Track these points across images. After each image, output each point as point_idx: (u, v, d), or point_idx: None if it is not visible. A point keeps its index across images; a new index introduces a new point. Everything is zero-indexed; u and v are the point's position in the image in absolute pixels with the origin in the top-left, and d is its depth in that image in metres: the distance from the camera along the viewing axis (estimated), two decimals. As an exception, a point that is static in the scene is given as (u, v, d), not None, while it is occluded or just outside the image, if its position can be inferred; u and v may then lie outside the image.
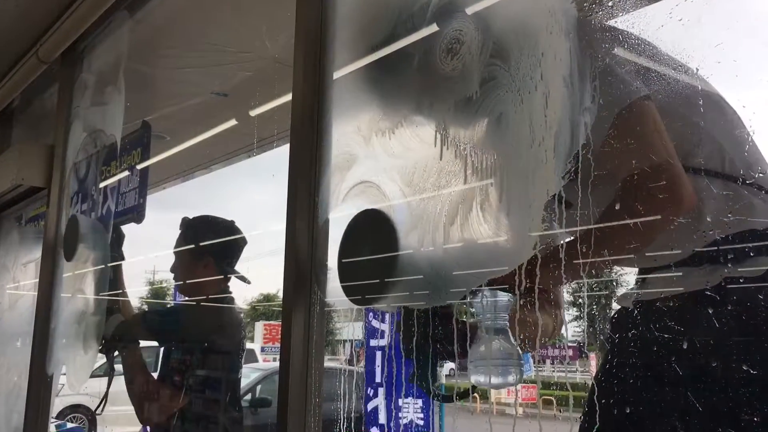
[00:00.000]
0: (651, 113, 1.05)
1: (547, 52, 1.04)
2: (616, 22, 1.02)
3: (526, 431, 1.02)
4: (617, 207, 1.01)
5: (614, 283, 1.26)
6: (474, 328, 1.25)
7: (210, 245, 2.69)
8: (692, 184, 1.04)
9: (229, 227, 2.72)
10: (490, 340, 1.21)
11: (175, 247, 2.71)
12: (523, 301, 1.16)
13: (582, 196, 0.97)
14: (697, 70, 0.90)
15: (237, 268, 2.68)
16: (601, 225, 1.00)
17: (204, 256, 2.64)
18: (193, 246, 2.68)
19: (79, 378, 2.59)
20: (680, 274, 1.09)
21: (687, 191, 1.03)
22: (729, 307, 1.04)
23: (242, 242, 2.72)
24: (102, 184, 2.72)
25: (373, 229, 1.38)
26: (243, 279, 2.73)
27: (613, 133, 1.00)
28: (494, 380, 1.21)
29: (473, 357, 1.23)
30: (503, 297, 1.20)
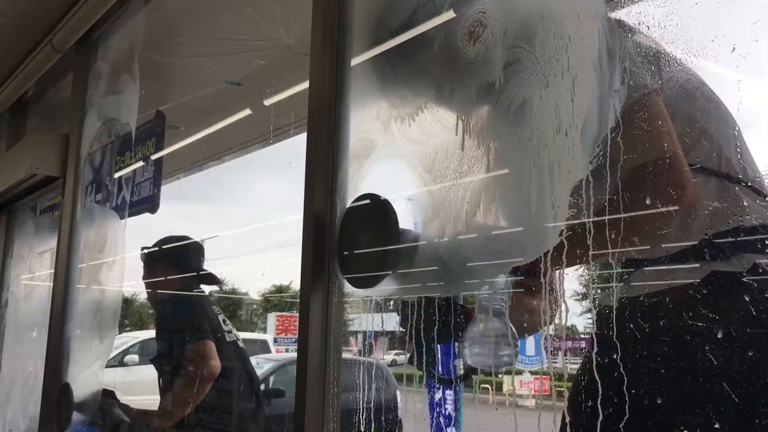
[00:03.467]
0: (659, 107, 1.05)
1: (575, 34, 1.01)
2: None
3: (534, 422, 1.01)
4: (620, 199, 1.00)
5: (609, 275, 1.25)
6: (470, 311, 1.26)
7: (165, 256, 2.97)
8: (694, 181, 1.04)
9: (180, 239, 3.04)
10: (485, 322, 1.22)
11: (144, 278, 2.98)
12: (520, 285, 1.17)
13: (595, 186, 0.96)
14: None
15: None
16: (602, 217, 0.99)
17: (159, 266, 2.90)
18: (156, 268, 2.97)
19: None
20: (670, 268, 1.09)
21: (691, 186, 1.04)
22: (714, 302, 1.05)
23: (194, 247, 3.08)
24: (117, 174, 2.72)
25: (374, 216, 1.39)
26: (212, 278, 3.08)
27: (621, 127, 0.99)
28: (488, 361, 1.22)
29: (468, 338, 1.24)
30: (500, 279, 1.20)
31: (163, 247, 2.95)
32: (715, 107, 1.17)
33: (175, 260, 2.95)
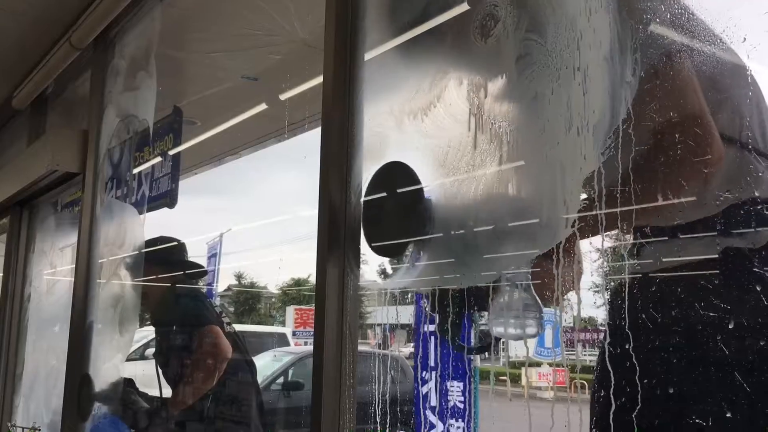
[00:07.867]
0: (686, 68, 1.03)
1: (586, 27, 1.01)
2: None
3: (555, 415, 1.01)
4: (648, 156, 0.99)
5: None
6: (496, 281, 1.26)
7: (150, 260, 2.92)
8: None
9: (156, 240, 3.07)
10: (511, 293, 1.22)
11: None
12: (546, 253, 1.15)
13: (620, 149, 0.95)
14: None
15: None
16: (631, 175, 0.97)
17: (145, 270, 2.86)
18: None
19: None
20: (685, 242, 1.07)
21: (717, 144, 1.02)
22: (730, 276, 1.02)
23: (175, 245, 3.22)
24: (136, 170, 2.75)
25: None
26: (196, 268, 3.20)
27: (649, 84, 0.98)
28: (514, 332, 1.22)
29: (494, 309, 1.24)
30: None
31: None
32: (739, 77, 1.14)
33: (159, 261, 2.99)
